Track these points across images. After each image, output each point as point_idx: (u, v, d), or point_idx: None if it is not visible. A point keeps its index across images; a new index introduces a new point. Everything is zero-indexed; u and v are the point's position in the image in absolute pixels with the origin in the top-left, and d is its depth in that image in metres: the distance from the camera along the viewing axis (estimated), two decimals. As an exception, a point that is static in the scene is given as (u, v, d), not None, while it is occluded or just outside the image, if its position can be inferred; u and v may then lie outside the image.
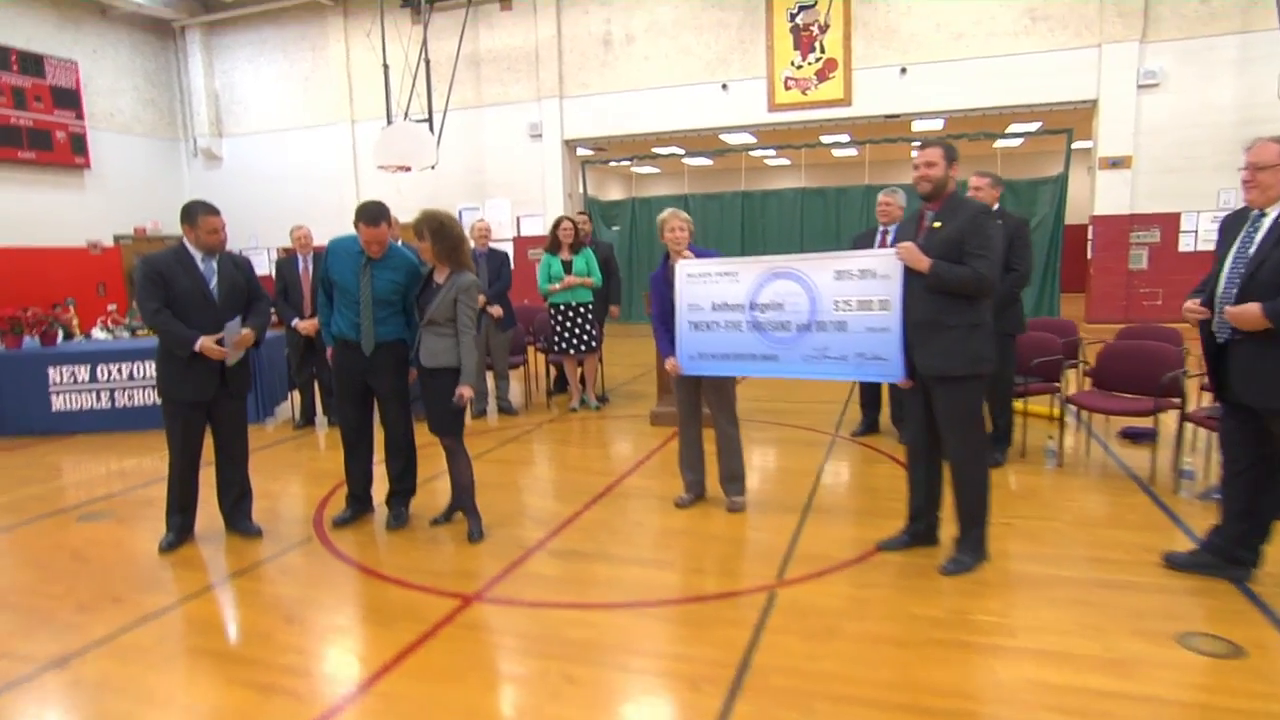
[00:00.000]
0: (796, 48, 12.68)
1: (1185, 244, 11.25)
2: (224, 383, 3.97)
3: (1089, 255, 11.88)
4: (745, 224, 14.05)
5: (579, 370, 7.15)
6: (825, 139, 15.24)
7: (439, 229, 3.87)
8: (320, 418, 6.90)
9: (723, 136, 14.57)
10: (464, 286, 3.88)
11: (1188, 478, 4.38)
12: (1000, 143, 15.95)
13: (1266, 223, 2.97)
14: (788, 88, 12.83)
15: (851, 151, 17.53)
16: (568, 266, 6.85)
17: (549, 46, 13.71)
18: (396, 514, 4.26)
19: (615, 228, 14.54)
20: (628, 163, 17.91)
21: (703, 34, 13.07)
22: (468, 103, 14.03)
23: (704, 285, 4.03)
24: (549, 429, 6.51)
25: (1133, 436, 5.45)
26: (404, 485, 4.29)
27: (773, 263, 3.87)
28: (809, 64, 12.66)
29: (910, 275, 3.37)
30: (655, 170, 20.34)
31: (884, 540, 3.73)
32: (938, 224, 3.32)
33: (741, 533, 4.02)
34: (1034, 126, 13.86)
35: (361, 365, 4.09)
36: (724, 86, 13.07)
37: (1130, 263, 11.52)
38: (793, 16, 12.61)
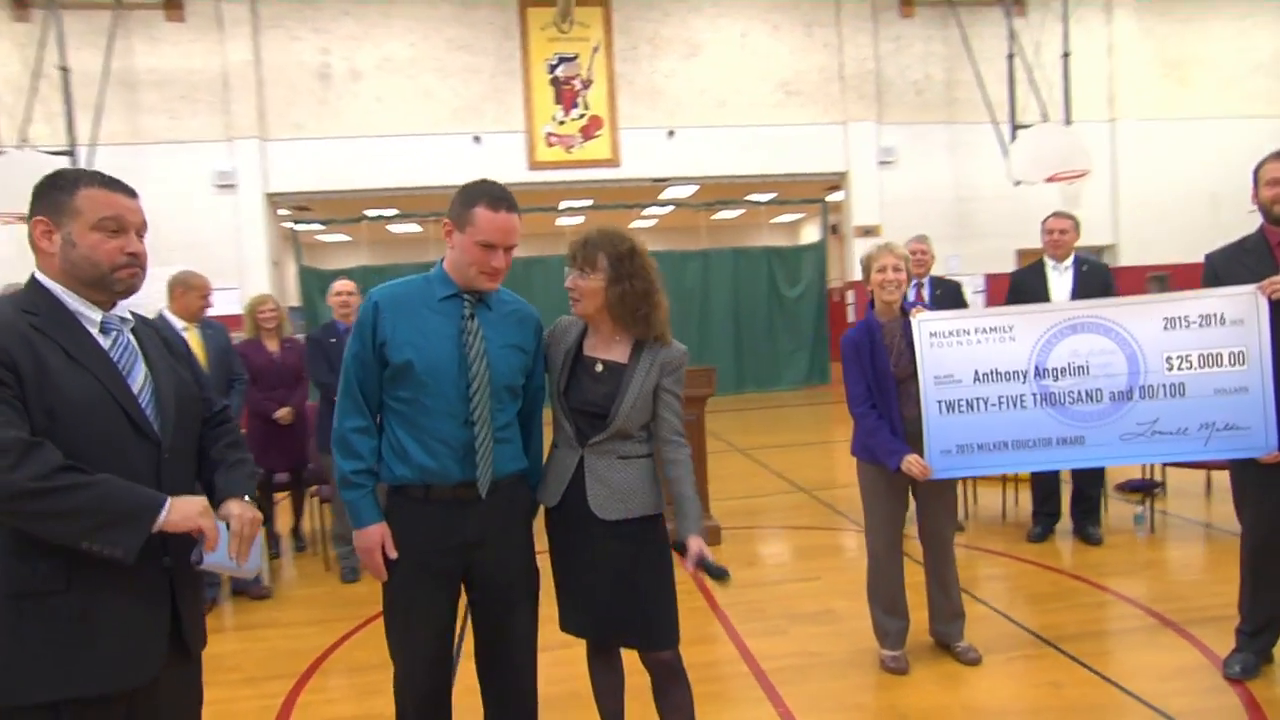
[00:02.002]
0: (558, 102, 12.02)
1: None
2: (178, 632, 1.74)
3: (851, 319, 12.95)
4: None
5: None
6: (565, 204, 14.73)
7: (630, 253, 2.24)
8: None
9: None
10: (672, 364, 2.29)
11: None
12: (721, 214, 17.08)
13: None
14: (550, 144, 12.06)
15: (580, 219, 17.29)
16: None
17: (244, 74, 11.11)
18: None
19: (341, 303, 12.10)
20: (317, 226, 15.34)
21: (449, 78, 11.74)
22: (119, 137, 10.62)
23: (960, 348, 2.97)
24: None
25: (1133, 489, 5.54)
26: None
27: (1066, 312, 2.98)
28: (572, 120, 12.07)
29: (1283, 318, 2.76)
30: (345, 238, 17.79)
31: (1232, 666, 2.98)
32: (1313, 252, 2.77)
33: (1041, 697, 2.94)
34: (769, 196, 14.93)
35: (464, 532, 2.17)
36: (476, 139, 11.83)
37: (886, 324, 12.78)
38: (552, 68, 11.97)
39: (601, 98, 12.09)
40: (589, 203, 14.66)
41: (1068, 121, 11.30)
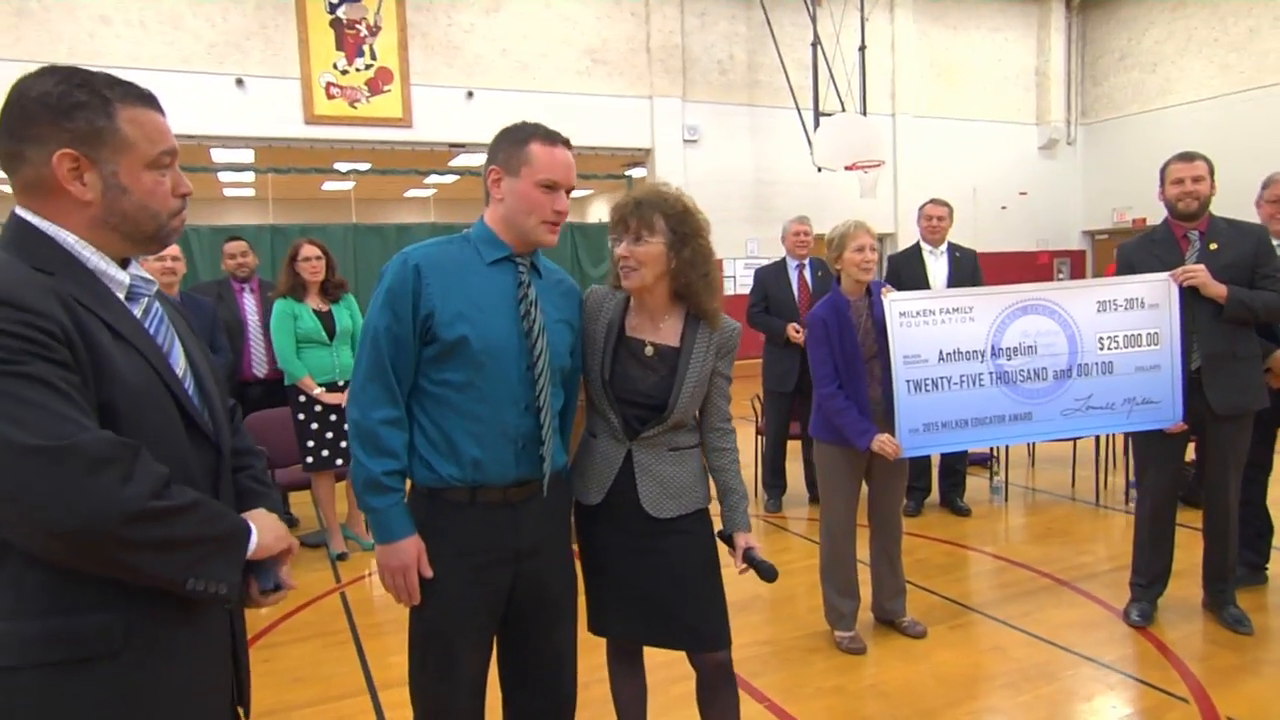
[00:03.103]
0: (340, 48, 11.09)
1: (728, 288, 13.56)
2: (237, 680, 1.44)
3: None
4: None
5: (335, 492, 4.80)
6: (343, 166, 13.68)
7: (686, 211, 2.10)
8: None
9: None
10: (728, 344, 2.21)
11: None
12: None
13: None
14: (330, 96, 11.10)
15: (351, 185, 16.11)
16: (327, 322, 4.57)
17: (-95, -30, 9.04)
18: None
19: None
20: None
21: (203, 5, 10.38)
22: None
23: (926, 328, 3.16)
24: (358, 604, 4.16)
25: (973, 463, 6.26)
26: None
27: (1016, 294, 3.27)
28: (357, 70, 11.20)
29: (1193, 303, 3.24)
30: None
31: (1131, 615, 3.49)
32: (1214, 246, 3.28)
33: (993, 662, 3.24)
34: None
35: (517, 539, 1.94)
36: (239, 82, 10.60)
37: (690, 306, 13.30)
38: (333, 8, 11.00)
39: (391, 48, 11.32)
40: (366, 166, 13.74)
41: (863, 112, 12.44)
